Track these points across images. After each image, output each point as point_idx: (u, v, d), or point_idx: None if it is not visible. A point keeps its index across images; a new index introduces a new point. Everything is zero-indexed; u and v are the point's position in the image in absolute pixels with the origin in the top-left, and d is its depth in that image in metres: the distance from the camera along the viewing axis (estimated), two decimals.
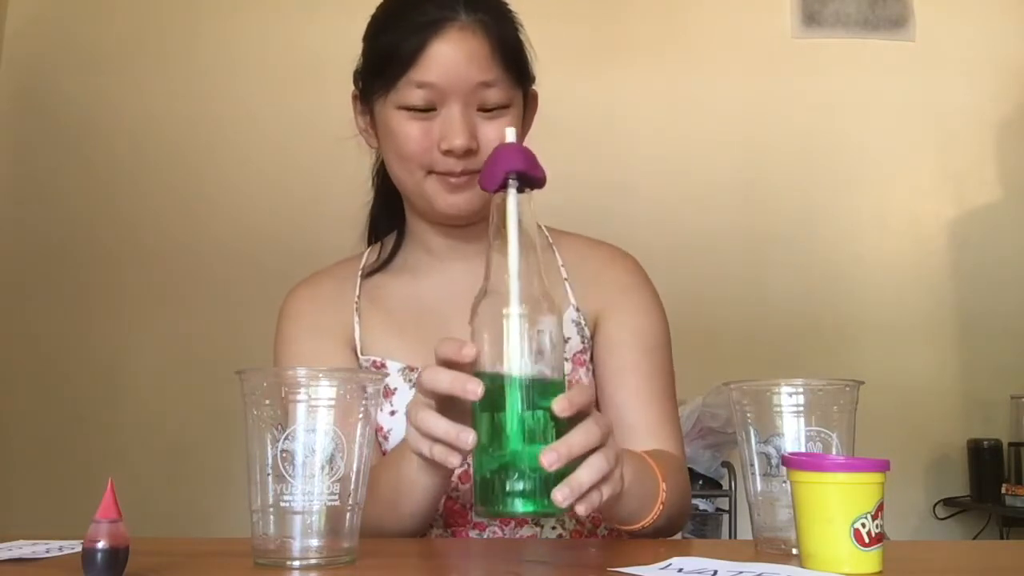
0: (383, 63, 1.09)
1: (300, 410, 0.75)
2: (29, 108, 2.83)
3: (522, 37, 1.17)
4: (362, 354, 1.16)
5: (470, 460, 0.77)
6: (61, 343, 2.71)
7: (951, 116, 2.86)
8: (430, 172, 1.09)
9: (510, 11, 1.16)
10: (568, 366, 1.14)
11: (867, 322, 2.78)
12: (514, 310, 0.75)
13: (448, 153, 1.07)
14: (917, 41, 2.90)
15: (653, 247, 2.81)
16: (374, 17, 1.14)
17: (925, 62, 2.88)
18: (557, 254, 1.22)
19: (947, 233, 2.85)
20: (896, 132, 2.87)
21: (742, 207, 2.83)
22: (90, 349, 2.71)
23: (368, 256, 1.25)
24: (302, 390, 0.76)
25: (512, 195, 0.77)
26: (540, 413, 0.74)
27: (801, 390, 0.85)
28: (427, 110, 1.08)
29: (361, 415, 0.78)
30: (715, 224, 2.81)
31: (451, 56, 1.06)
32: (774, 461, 0.84)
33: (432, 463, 0.81)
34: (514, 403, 0.74)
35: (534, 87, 1.22)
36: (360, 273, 1.22)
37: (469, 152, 1.08)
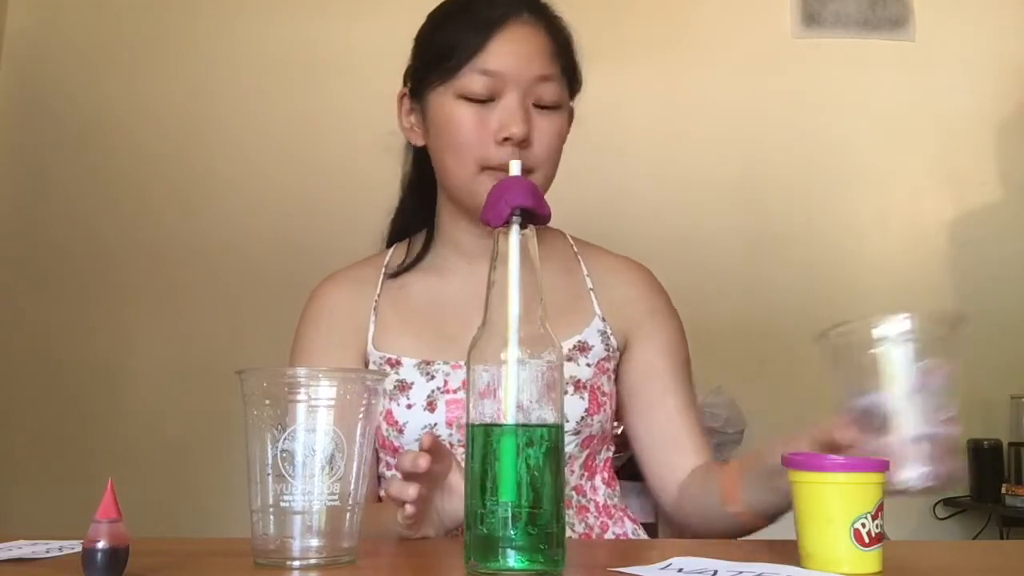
0: (446, 54, 1.12)
1: (300, 410, 0.76)
2: (30, 107, 2.83)
3: (577, 53, 1.23)
4: (377, 350, 1.17)
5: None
6: (61, 342, 2.71)
7: (951, 116, 2.86)
8: (483, 168, 1.11)
9: (568, 25, 1.22)
10: (590, 371, 1.16)
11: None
12: (512, 355, 0.72)
13: (506, 141, 1.09)
14: (917, 41, 2.90)
15: (652, 246, 2.81)
16: (432, 15, 1.18)
17: (925, 62, 2.88)
18: (583, 264, 1.24)
19: (947, 233, 2.85)
20: (896, 132, 2.87)
21: (741, 207, 2.83)
22: (90, 349, 2.71)
23: (393, 255, 1.26)
24: (302, 390, 0.76)
25: (515, 232, 0.75)
26: (535, 462, 0.71)
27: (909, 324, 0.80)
28: (487, 100, 1.11)
29: (361, 415, 0.78)
30: (714, 223, 2.81)
31: (516, 48, 1.11)
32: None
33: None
34: (509, 452, 0.71)
35: (572, 103, 1.25)
36: (383, 272, 1.23)
37: (525, 143, 1.10)
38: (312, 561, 0.74)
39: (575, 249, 1.27)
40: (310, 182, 2.75)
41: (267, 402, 0.76)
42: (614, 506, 1.20)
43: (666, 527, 1.37)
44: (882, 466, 0.75)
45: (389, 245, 1.29)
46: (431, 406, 1.13)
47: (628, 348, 1.22)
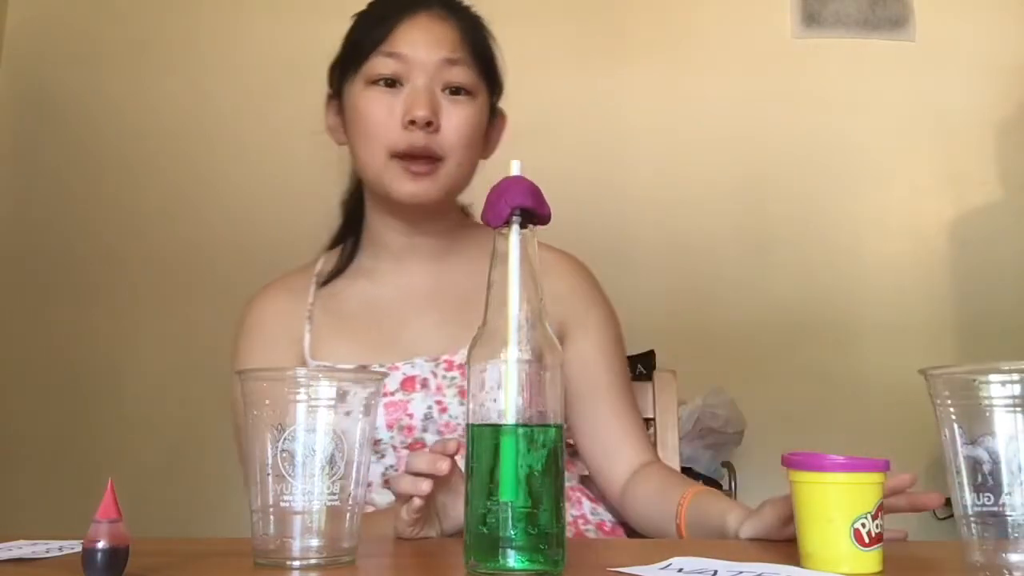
0: (358, 44, 1.17)
1: (300, 410, 0.76)
2: (30, 106, 2.83)
3: (493, 46, 1.22)
4: (313, 359, 1.17)
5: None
6: (63, 342, 2.71)
7: (951, 116, 2.86)
8: (392, 155, 1.12)
9: (483, 21, 1.22)
10: None
11: (867, 322, 2.78)
12: (512, 356, 0.72)
13: (411, 124, 1.10)
14: (917, 41, 2.90)
15: (653, 247, 2.83)
16: (354, 16, 1.22)
17: (925, 62, 2.88)
18: None
19: (947, 233, 2.85)
20: (896, 132, 2.87)
21: (742, 207, 2.83)
22: (91, 348, 2.71)
23: (324, 263, 1.27)
24: (302, 390, 0.76)
25: (515, 232, 0.75)
26: (535, 462, 0.71)
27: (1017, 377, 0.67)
28: (393, 83, 1.13)
29: (361, 415, 0.78)
30: (714, 224, 2.81)
31: (420, 33, 1.14)
32: (987, 468, 0.69)
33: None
34: (509, 452, 0.70)
35: (503, 108, 1.25)
36: (315, 281, 1.24)
37: (429, 126, 1.11)
38: (312, 561, 0.74)
39: None
40: (314, 182, 2.74)
41: (267, 402, 0.76)
42: (571, 488, 1.20)
43: None
44: (882, 466, 0.75)
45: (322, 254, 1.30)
46: None
47: (564, 341, 1.20)
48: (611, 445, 1.19)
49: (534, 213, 0.76)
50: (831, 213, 2.84)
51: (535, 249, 0.76)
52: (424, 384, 1.14)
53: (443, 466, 0.83)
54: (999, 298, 2.79)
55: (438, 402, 1.14)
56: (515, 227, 0.75)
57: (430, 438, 1.13)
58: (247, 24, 2.82)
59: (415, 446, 1.13)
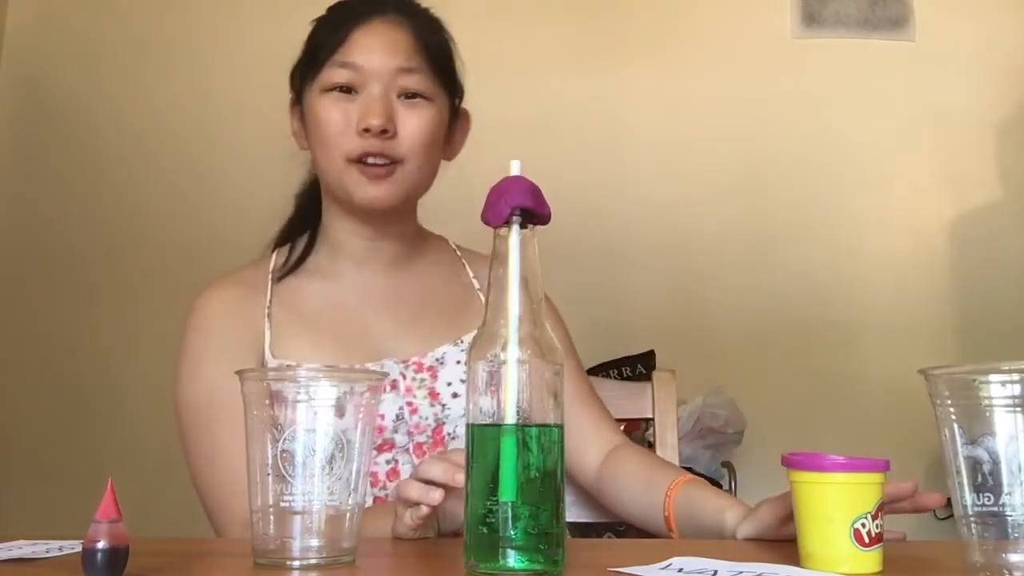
0: (314, 51, 1.18)
1: (300, 410, 0.76)
2: (30, 106, 2.83)
3: (452, 48, 1.22)
4: (273, 357, 1.16)
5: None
6: (63, 342, 2.71)
7: (951, 116, 2.86)
8: (349, 161, 1.13)
9: (442, 24, 1.22)
10: None
11: (867, 322, 2.78)
12: (512, 356, 0.72)
13: (366, 132, 1.11)
14: (917, 41, 2.90)
15: (652, 247, 2.83)
16: (313, 21, 1.22)
17: (925, 62, 2.88)
18: (467, 266, 1.28)
19: (947, 233, 2.85)
20: (896, 132, 2.87)
21: (741, 207, 2.83)
22: (91, 348, 2.70)
23: (276, 259, 1.26)
24: (302, 390, 0.76)
25: (515, 232, 0.75)
26: (535, 462, 0.71)
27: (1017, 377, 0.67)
28: (349, 90, 1.13)
29: (361, 415, 0.78)
30: (714, 224, 2.81)
31: (374, 41, 1.14)
32: (987, 468, 0.69)
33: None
34: (509, 452, 0.70)
35: (465, 107, 1.25)
36: (271, 278, 1.22)
37: (385, 133, 1.11)
38: (312, 561, 0.74)
39: (458, 253, 1.30)
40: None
41: (267, 402, 0.76)
42: None
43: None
44: (882, 466, 0.75)
45: (273, 250, 1.29)
46: None
47: None
48: (580, 432, 1.19)
49: (534, 213, 0.76)
50: (831, 213, 2.84)
51: (535, 249, 0.76)
52: (394, 386, 1.14)
53: (460, 478, 0.81)
54: (999, 298, 2.79)
55: (409, 403, 1.14)
56: (515, 227, 0.75)
57: (400, 439, 1.14)
58: (247, 24, 2.82)
59: (384, 447, 1.13)
